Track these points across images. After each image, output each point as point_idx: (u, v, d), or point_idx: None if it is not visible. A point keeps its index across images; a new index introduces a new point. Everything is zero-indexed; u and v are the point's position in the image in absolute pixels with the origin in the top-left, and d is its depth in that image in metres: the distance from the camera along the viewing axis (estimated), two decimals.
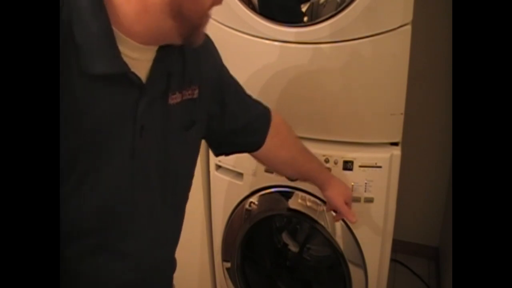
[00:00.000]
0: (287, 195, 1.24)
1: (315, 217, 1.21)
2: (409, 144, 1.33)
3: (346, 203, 1.03)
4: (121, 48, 0.57)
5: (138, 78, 0.61)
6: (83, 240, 0.64)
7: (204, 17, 0.62)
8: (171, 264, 0.82)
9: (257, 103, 0.90)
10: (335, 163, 1.15)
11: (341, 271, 1.24)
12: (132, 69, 0.59)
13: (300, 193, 1.22)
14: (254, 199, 1.27)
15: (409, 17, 1.01)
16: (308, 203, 1.21)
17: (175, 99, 0.68)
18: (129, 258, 0.70)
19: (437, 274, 1.88)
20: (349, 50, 1.06)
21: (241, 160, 1.26)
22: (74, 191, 0.60)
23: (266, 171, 1.23)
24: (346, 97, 1.14)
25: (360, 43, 1.04)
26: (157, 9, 0.56)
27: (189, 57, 0.69)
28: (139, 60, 0.61)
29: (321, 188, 1.04)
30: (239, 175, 1.28)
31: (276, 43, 1.10)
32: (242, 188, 1.28)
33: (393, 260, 1.85)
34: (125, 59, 0.58)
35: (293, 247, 1.49)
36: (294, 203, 1.23)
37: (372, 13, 1.00)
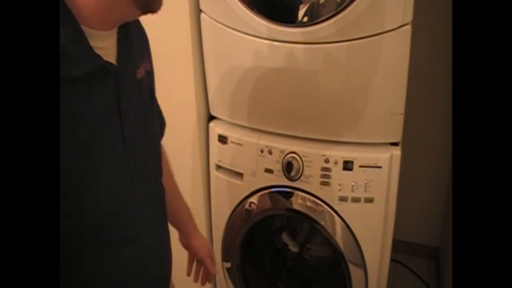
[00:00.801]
0: (287, 195, 1.24)
1: (315, 217, 1.21)
2: (409, 144, 1.33)
3: (210, 256, 1.02)
4: (91, 42, 0.58)
5: (113, 65, 0.62)
6: (90, 236, 0.64)
7: None
8: (167, 231, 0.83)
9: (159, 108, 0.88)
10: (335, 163, 1.15)
11: (341, 271, 1.24)
12: (105, 58, 0.60)
13: (300, 193, 1.22)
14: (254, 199, 1.27)
15: (409, 17, 1.01)
16: (308, 203, 1.21)
17: (140, 73, 0.70)
18: (134, 250, 0.70)
19: (437, 274, 1.88)
20: (349, 50, 1.06)
21: (241, 160, 1.26)
22: (74, 191, 0.59)
23: (266, 171, 1.23)
24: (346, 97, 1.14)
25: (360, 43, 1.04)
26: None
27: (138, 33, 0.72)
28: (106, 48, 0.61)
29: (186, 237, 1.00)
30: (239, 175, 1.29)
31: (276, 43, 1.10)
32: (242, 188, 1.28)
33: (393, 260, 1.86)
34: (96, 51, 0.58)
35: (293, 247, 1.49)
36: (294, 203, 1.23)
37: (372, 13, 1.00)
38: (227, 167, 1.30)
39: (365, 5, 0.99)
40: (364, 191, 1.16)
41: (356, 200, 1.16)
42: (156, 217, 0.76)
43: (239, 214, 1.31)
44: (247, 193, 1.28)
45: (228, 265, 1.40)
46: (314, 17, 1.06)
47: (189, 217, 1.01)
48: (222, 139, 1.28)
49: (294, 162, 1.18)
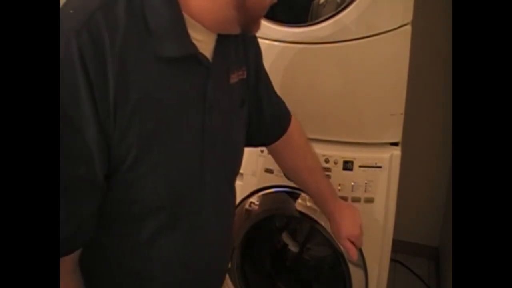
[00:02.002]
0: (287, 195, 1.23)
1: (315, 217, 1.21)
2: (409, 144, 1.33)
3: (352, 240, 0.98)
4: (190, 31, 0.61)
5: (206, 59, 0.65)
6: (154, 218, 0.66)
7: (263, 11, 0.67)
8: (231, 240, 0.86)
9: (281, 102, 0.93)
10: (335, 163, 1.15)
11: (341, 271, 1.24)
12: (200, 50, 0.63)
13: (300, 193, 1.22)
14: (254, 199, 1.27)
15: (409, 17, 1.01)
16: (308, 203, 1.21)
17: (233, 78, 0.72)
18: (196, 234, 0.72)
19: (437, 274, 1.88)
20: (349, 50, 1.06)
21: None
22: (150, 171, 0.62)
23: (266, 171, 1.23)
24: (346, 97, 1.14)
25: (360, 43, 1.04)
26: (223, 0, 0.61)
27: (240, 40, 0.75)
28: (204, 43, 0.64)
29: (328, 218, 1.01)
30: (239, 175, 1.28)
31: (276, 43, 1.10)
32: (242, 188, 1.28)
33: (393, 260, 1.85)
34: (194, 41, 0.61)
35: (293, 247, 1.49)
36: (294, 203, 1.23)
37: (372, 13, 1.00)
38: None
39: (365, 5, 0.99)
40: (364, 191, 1.16)
41: (356, 200, 1.16)
42: (218, 215, 0.77)
43: (239, 214, 1.31)
44: (247, 193, 1.28)
45: (228, 265, 1.40)
46: (314, 17, 1.06)
47: (324, 201, 0.99)
48: None
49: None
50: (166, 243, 0.69)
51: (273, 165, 1.22)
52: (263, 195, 1.26)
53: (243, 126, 0.80)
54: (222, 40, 0.67)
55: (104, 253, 0.69)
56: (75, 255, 0.63)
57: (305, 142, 0.98)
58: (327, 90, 1.14)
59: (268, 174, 1.23)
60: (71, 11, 0.55)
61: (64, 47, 0.52)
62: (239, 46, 0.75)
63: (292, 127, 0.94)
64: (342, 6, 1.01)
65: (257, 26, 0.68)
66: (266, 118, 0.87)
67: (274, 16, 1.08)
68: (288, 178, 1.12)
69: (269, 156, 1.22)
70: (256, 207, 1.28)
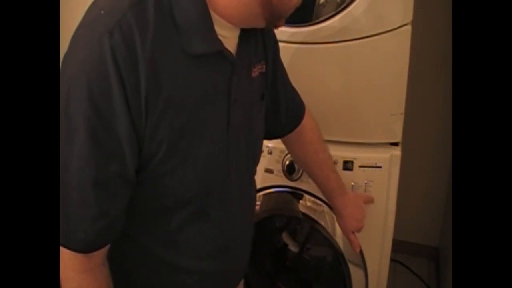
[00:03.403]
0: (287, 195, 1.23)
1: (315, 217, 1.21)
2: (409, 144, 1.33)
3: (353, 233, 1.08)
4: (216, 28, 0.62)
5: (231, 54, 0.66)
6: (183, 210, 0.69)
7: (290, 10, 0.67)
8: (252, 230, 0.87)
9: (297, 95, 0.95)
10: (335, 163, 1.15)
11: (341, 271, 1.24)
12: (225, 46, 0.64)
13: (300, 193, 1.22)
14: None
15: (409, 17, 1.01)
16: (308, 203, 1.21)
17: (255, 72, 0.74)
18: (222, 225, 0.74)
19: (437, 274, 1.88)
20: (349, 50, 1.06)
21: None
22: (179, 166, 0.63)
23: (266, 171, 1.23)
24: (346, 97, 1.14)
25: (360, 43, 1.04)
26: None
27: (260, 34, 0.76)
28: (229, 38, 0.66)
29: (334, 211, 1.09)
30: None
31: None
32: None
33: (393, 260, 1.85)
34: (219, 37, 0.63)
35: (293, 247, 1.49)
36: (294, 203, 1.23)
37: (372, 13, 1.00)
38: None
39: (365, 5, 0.99)
40: (364, 191, 1.16)
41: None
42: (242, 206, 0.79)
43: None
44: None
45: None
46: (314, 17, 1.06)
47: (332, 194, 1.05)
48: None
49: (294, 162, 1.18)
50: (195, 234, 0.71)
51: (273, 165, 1.22)
52: (263, 195, 1.26)
53: (262, 119, 0.81)
54: (245, 35, 0.69)
55: (132, 245, 0.71)
56: (104, 249, 0.65)
57: (318, 136, 1.00)
58: (327, 90, 1.14)
59: (268, 174, 1.23)
60: (102, 12, 0.56)
61: (97, 47, 0.53)
62: (259, 39, 0.76)
63: (306, 121, 0.96)
64: (342, 6, 1.01)
65: (280, 22, 0.68)
66: (282, 110, 0.89)
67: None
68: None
69: (269, 156, 1.22)
70: (256, 207, 1.28)
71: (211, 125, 0.66)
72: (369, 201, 1.15)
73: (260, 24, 0.66)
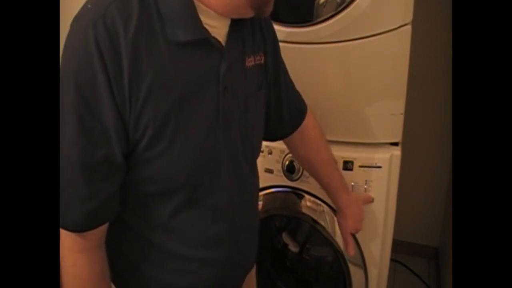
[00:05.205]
0: (287, 195, 1.23)
1: (315, 217, 1.21)
2: (409, 144, 1.33)
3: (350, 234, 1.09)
4: (201, 17, 0.64)
5: (219, 42, 0.67)
6: (174, 197, 0.70)
7: None
8: (257, 223, 0.87)
9: (299, 94, 0.95)
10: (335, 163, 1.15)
11: (341, 271, 1.24)
12: (213, 35, 0.66)
13: (300, 193, 1.22)
14: None
15: (409, 17, 1.01)
16: (308, 203, 1.21)
17: (249, 62, 0.75)
18: (218, 213, 0.74)
19: (437, 274, 1.88)
20: (349, 50, 1.06)
21: None
22: (166, 149, 0.64)
23: (266, 171, 1.23)
24: (346, 97, 1.14)
25: (360, 43, 1.04)
26: None
27: (256, 25, 0.77)
28: (217, 28, 0.67)
29: (337, 211, 1.09)
30: None
31: None
32: None
33: (393, 260, 1.86)
34: (206, 27, 0.64)
35: (293, 247, 1.49)
36: (294, 203, 1.23)
37: (372, 13, 1.00)
38: None
39: (365, 5, 0.99)
40: (364, 191, 1.16)
41: None
42: (242, 197, 0.79)
43: None
44: None
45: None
46: (314, 17, 1.06)
47: (335, 194, 1.05)
48: None
49: (295, 162, 1.18)
50: (187, 222, 0.72)
51: (273, 165, 1.22)
52: (263, 195, 1.26)
53: (261, 110, 0.82)
54: (236, 25, 0.70)
55: (127, 229, 0.73)
56: (99, 233, 0.67)
57: (320, 135, 1.00)
58: (327, 90, 1.14)
59: (268, 174, 1.23)
60: (89, 6, 0.60)
61: (83, 38, 0.57)
62: (256, 31, 0.77)
63: (307, 119, 0.96)
64: (342, 6, 1.01)
65: (268, 8, 0.69)
66: (285, 110, 0.90)
67: (277, 16, 1.07)
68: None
69: (269, 156, 1.22)
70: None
71: (199, 112, 0.67)
72: (369, 201, 1.15)
73: (248, 13, 0.67)
